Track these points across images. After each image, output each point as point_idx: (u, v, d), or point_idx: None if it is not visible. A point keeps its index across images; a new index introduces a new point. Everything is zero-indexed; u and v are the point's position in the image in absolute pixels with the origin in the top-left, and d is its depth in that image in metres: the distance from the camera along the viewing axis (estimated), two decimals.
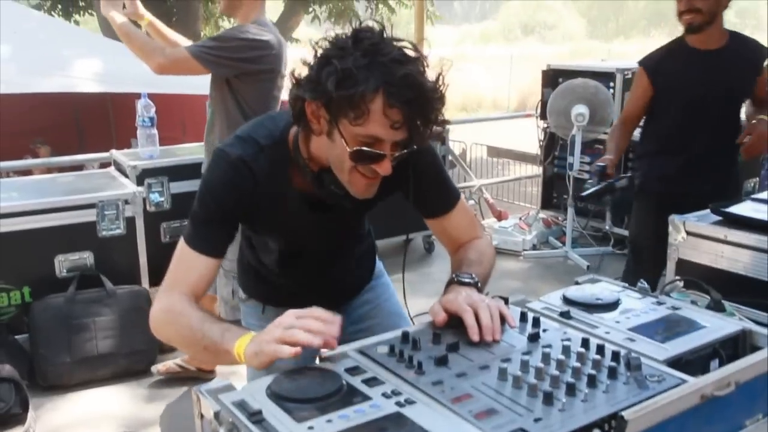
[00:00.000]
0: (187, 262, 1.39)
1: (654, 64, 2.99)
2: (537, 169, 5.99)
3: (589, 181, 3.02)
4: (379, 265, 1.83)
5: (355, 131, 1.23)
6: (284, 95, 2.90)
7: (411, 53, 1.23)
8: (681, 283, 1.65)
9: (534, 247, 5.21)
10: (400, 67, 1.20)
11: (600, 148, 5.26)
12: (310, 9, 11.58)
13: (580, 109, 4.62)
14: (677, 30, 3.02)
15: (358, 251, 1.73)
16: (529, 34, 33.78)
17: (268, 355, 1.15)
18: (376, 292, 1.78)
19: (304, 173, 1.39)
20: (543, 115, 5.34)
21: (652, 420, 0.75)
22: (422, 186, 1.46)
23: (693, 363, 1.19)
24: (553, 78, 5.39)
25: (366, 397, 1.04)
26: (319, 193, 1.39)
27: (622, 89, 5.00)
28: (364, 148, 1.24)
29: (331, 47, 1.23)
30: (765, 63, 2.99)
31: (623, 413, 0.73)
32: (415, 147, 1.29)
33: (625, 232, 4.99)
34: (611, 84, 5.07)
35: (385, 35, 1.23)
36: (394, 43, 1.23)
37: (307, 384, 1.07)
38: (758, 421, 0.93)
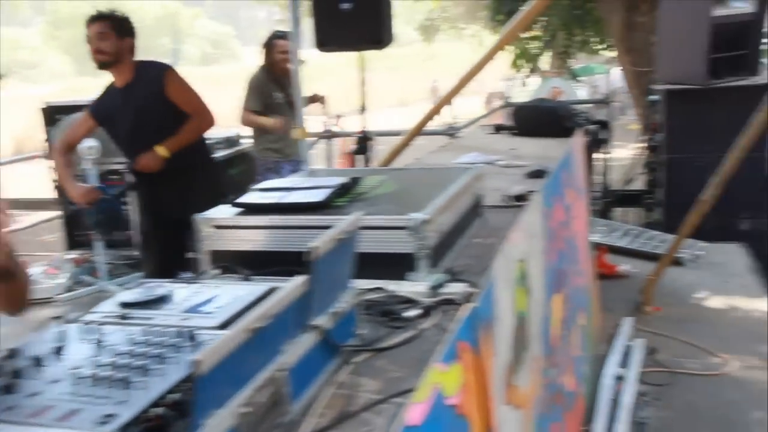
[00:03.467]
0: None
1: (96, 105, 3.45)
2: (52, 213, 5.80)
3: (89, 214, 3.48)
4: None
5: None
6: None
7: None
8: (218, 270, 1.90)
9: (69, 289, 5.00)
10: None
11: (114, 178, 5.32)
12: None
13: (90, 143, 4.59)
14: None
15: None
16: (11, 76, 31.17)
17: None
18: None
19: None
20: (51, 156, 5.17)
21: (219, 354, 0.94)
22: None
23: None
24: (54, 116, 5.35)
25: None
26: None
27: None
28: None
29: None
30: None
31: (196, 356, 0.89)
32: None
33: None
34: None
35: None
36: None
37: None
38: (292, 344, 1.21)
